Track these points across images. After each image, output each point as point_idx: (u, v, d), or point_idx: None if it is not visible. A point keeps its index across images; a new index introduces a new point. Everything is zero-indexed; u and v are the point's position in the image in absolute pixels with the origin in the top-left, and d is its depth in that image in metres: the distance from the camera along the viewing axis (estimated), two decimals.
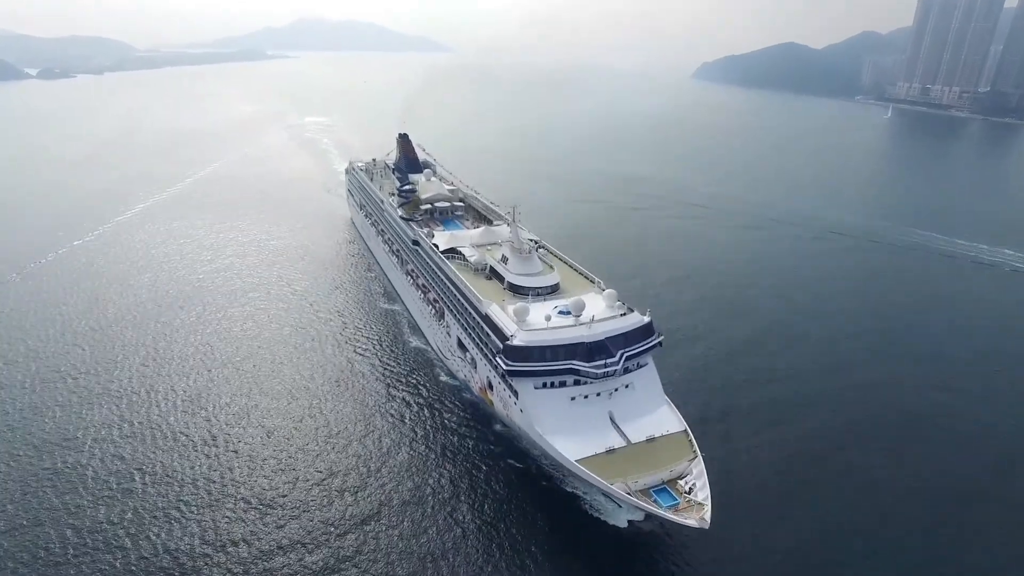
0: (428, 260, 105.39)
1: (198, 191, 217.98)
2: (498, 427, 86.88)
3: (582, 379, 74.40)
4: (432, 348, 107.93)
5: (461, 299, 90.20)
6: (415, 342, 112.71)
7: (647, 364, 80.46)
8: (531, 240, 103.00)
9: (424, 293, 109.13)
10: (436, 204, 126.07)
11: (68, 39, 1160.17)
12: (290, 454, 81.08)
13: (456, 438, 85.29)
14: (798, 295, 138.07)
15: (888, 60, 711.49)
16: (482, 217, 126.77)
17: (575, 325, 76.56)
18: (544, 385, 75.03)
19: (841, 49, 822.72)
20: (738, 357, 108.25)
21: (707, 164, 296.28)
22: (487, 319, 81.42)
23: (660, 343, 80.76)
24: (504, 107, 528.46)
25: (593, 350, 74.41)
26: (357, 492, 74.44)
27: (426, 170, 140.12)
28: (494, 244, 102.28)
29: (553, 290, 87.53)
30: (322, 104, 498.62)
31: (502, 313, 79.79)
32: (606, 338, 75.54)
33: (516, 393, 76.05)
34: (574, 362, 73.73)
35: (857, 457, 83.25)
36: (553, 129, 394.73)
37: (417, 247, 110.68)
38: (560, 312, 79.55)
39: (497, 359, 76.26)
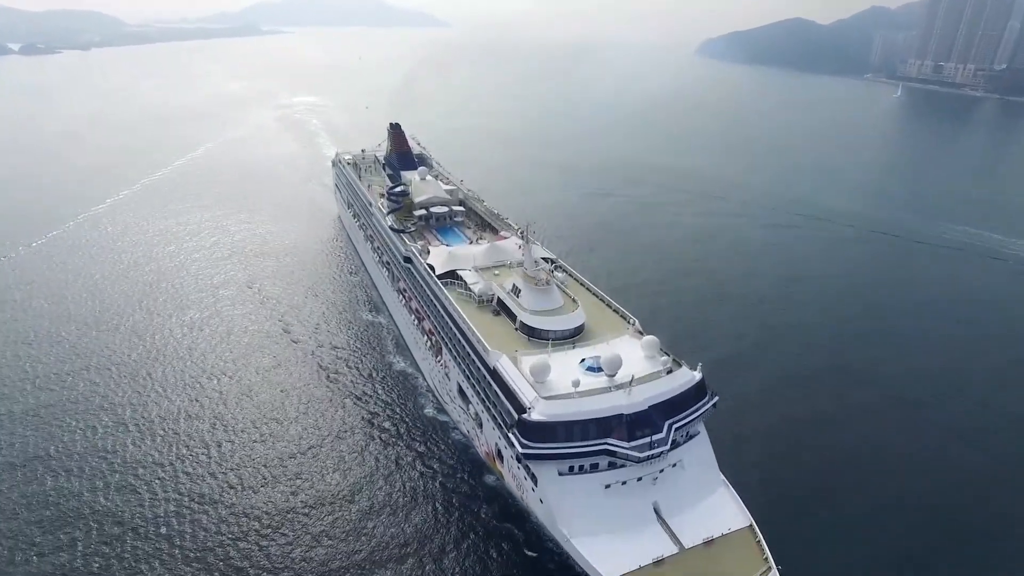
0: (423, 285, 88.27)
1: (176, 181, 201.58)
2: (491, 480, 71.93)
3: (620, 461, 57.84)
4: (424, 379, 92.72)
5: (463, 341, 73.31)
6: (399, 363, 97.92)
7: (699, 433, 63.92)
8: (546, 260, 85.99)
9: (418, 320, 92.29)
10: (432, 209, 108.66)
11: (57, 12, 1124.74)
12: (240, 498, 69.96)
13: (433, 500, 70.34)
14: (846, 312, 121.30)
15: (899, 37, 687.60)
16: (486, 224, 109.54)
17: (610, 388, 59.69)
18: (571, 469, 58.50)
19: (849, 25, 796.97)
20: (783, 395, 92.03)
21: (718, 149, 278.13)
22: (496, 376, 64.55)
23: (715, 404, 64.07)
24: (504, 87, 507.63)
25: (634, 424, 57.71)
26: (310, 551, 63.08)
27: (420, 168, 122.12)
28: (501, 265, 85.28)
29: (577, 333, 70.40)
30: (314, 83, 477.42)
31: (515, 371, 62.80)
32: (650, 406, 58.78)
33: (535, 478, 59.47)
34: (610, 441, 57.09)
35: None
36: (556, 112, 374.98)
37: (410, 266, 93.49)
38: (589, 369, 62.65)
39: (511, 435, 59.46)
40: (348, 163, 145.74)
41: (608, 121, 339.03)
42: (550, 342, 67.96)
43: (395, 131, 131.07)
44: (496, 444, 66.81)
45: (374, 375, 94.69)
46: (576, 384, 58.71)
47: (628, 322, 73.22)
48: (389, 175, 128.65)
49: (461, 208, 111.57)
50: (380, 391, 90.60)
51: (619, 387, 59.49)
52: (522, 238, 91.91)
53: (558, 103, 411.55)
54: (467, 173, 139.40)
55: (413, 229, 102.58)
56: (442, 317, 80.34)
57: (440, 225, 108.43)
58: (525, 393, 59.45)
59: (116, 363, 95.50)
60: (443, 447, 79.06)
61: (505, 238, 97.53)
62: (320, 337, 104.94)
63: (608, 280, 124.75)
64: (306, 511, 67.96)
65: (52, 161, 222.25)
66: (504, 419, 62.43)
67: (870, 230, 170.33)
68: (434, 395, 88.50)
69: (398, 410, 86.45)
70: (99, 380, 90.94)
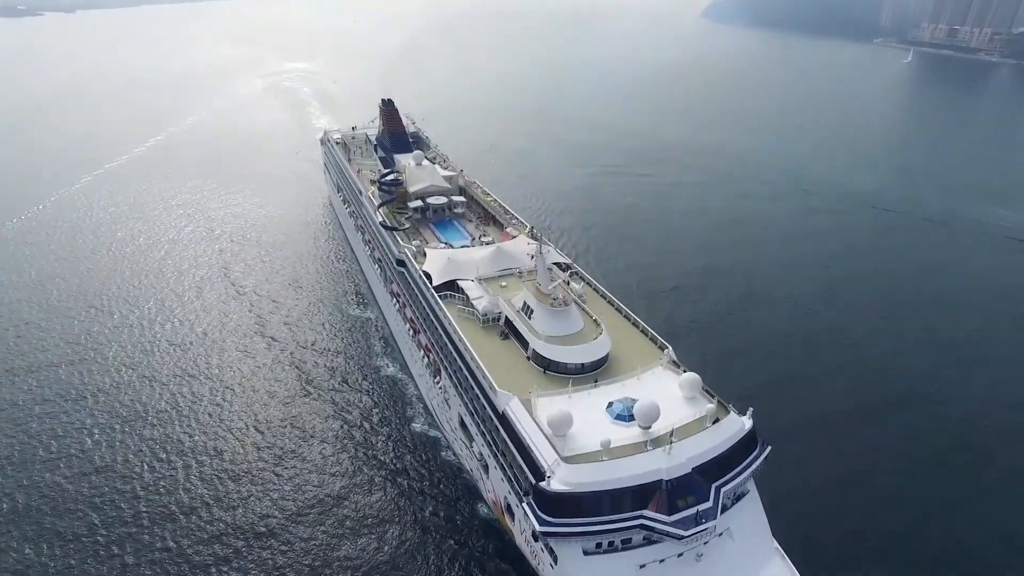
0: (418, 295, 77.12)
1: (157, 156, 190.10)
2: (485, 511, 63.29)
3: (658, 536, 47.52)
4: (414, 386, 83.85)
5: (466, 373, 62.54)
6: (388, 367, 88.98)
7: (748, 492, 53.47)
8: (559, 266, 74.92)
9: (414, 331, 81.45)
10: (429, 200, 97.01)
11: None
12: (195, 520, 63.43)
13: (414, 529, 62.31)
14: (877, 310, 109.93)
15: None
16: (489, 217, 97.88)
17: (646, 446, 48.95)
18: (599, 546, 48.17)
19: None
20: (813, 415, 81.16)
21: (724, 120, 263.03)
22: (506, 422, 53.87)
23: (767, 456, 53.52)
24: (504, 53, 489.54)
25: (676, 490, 47.22)
26: None
27: (416, 152, 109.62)
28: (509, 274, 74.00)
29: (601, 364, 59.46)
30: (306, 48, 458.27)
31: (529, 421, 51.92)
32: (695, 468, 48.24)
33: (554, 555, 49.19)
34: (647, 514, 46.69)
35: None
36: (560, 83, 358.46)
37: (403, 270, 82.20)
38: (618, 417, 51.82)
39: (525, 506, 49.01)
40: (337, 142, 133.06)
41: (610, 90, 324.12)
42: (570, 378, 57.01)
43: (387, 108, 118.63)
44: (505, 497, 56.48)
45: (358, 381, 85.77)
46: (606, 445, 47.95)
47: (660, 348, 62.16)
48: (381, 158, 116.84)
49: (462, 199, 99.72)
50: (363, 400, 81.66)
51: (656, 443, 48.84)
52: (532, 238, 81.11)
53: (557, 73, 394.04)
54: (464, 147, 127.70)
55: (407, 226, 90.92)
56: (441, 337, 69.45)
57: (438, 218, 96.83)
58: (543, 453, 48.73)
59: (57, 363, 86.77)
60: (429, 469, 70.61)
61: (512, 236, 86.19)
62: (300, 335, 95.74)
63: (601, 265, 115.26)
64: (268, 533, 60.81)
65: (26, 135, 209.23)
66: (516, 479, 51.98)
67: (897, 212, 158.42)
68: (425, 406, 79.66)
69: (382, 422, 77.75)
70: (35, 383, 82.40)
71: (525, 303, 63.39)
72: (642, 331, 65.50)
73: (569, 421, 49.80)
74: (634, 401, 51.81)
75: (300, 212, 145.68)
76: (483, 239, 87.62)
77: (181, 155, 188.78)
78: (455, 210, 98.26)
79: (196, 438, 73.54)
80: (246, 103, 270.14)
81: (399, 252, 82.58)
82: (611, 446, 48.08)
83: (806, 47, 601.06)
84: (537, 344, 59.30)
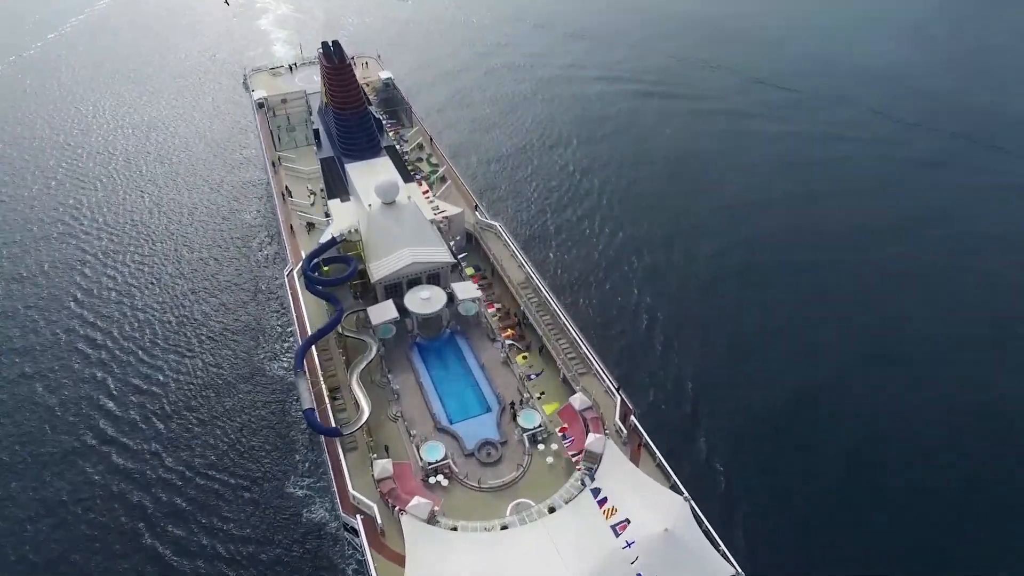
0: None
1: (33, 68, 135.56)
2: None
3: None
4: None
5: None
6: (315, 510, 48.30)
7: None
8: None
9: None
10: (412, 305, 48.60)
11: None
12: None
13: None
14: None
15: None
16: (524, 321, 50.52)
17: None
18: None
19: None
20: None
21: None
22: None
23: None
24: None
25: None
26: None
27: (386, 181, 54.33)
28: None
29: None
30: None
31: None
32: None
33: None
34: None
35: None
36: None
37: (357, 549, 36.84)
38: None
39: None
40: (260, 105, 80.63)
41: None
42: None
43: (333, 65, 65.39)
44: None
45: (260, 535, 46.75)
46: None
47: None
48: (324, 161, 66.33)
49: (475, 291, 50.74)
50: None
51: None
52: (624, 404, 36.98)
53: None
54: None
55: (361, 422, 41.61)
56: None
57: (430, 335, 49.65)
58: None
59: None
60: None
61: (582, 414, 40.41)
62: (163, 418, 55.18)
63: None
64: None
65: None
66: None
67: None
68: None
69: None
70: None
71: None
72: None
73: None
74: None
75: (219, 170, 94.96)
76: (522, 416, 41.46)
77: (72, 62, 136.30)
78: (464, 311, 50.53)
79: None
80: None
81: (347, 516, 36.52)
82: None
83: None
84: None
